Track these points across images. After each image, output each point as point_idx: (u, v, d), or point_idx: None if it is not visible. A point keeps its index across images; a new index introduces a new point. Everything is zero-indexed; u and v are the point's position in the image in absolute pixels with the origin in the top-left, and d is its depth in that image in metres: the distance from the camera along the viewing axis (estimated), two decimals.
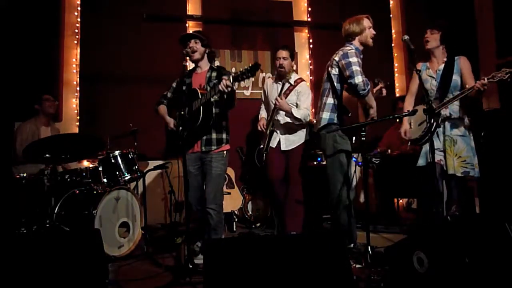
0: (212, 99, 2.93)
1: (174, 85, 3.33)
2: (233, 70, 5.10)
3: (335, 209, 3.12)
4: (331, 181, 3.15)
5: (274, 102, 3.65)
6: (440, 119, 3.08)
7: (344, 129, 3.06)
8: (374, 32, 3.20)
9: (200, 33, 3.24)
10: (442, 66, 3.22)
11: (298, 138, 3.76)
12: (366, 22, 3.16)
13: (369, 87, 3.01)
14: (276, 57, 3.80)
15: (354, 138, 2.91)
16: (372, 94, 3.14)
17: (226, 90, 2.72)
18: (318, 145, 3.35)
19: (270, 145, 3.74)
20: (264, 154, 3.70)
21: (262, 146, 3.75)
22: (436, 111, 2.93)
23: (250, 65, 2.67)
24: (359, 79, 2.94)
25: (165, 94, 3.35)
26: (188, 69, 3.42)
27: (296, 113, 3.62)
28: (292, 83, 3.73)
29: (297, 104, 3.71)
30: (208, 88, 3.00)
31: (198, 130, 3.02)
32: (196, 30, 3.48)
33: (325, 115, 3.18)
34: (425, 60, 3.32)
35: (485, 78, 2.87)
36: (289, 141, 3.74)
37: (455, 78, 3.16)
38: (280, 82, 3.76)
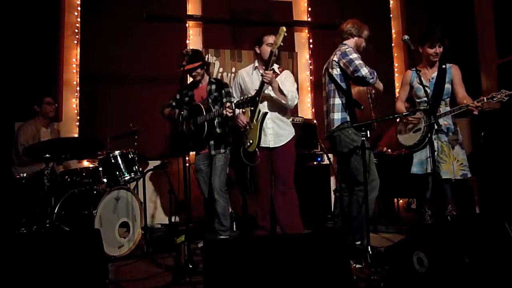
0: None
1: (177, 96, 3.66)
2: (233, 70, 5.11)
3: (356, 206, 3.11)
4: (355, 178, 3.13)
5: (262, 80, 3.22)
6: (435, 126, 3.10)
7: (356, 126, 3.03)
8: (365, 45, 3.27)
9: (198, 56, 3.56)
10: (434, 74, 3.24)
11: (288, 132, 3.47)
12: (365, 33, 3.25)
13: (375, 74, 3.03)
14: (267, 43, 3.40)
15: (369, 132, 2.88)
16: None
17: (229, 115, 3.23)
18: (332, 147, 3.30)
19: (261, 144, 3.35)
20: (257, 150, 3.30)
21: (251, 142, 3.33)
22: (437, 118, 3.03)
23: (251, 96, 3.19)
24: (364, 70, 2.98)
25: (170, 103, 3.74)
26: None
27: (284, 90, 3.30)
28: (277, 71, 3.41)
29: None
30: (210, 100, 3.53)
31: (204, 140, 3.52)
32: (193, 57, 3.42)
33: (337, 116, 3.17)
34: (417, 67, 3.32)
35: (485, 98, 2.92)
36: (278, 136, 3.41)
37: (447, 86, 3.21)
38: (261, 72, 3.39)
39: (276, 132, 3.42)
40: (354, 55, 3.05)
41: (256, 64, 3.55)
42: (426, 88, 2.99)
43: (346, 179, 3.34)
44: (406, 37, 2.88)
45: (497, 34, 5.43)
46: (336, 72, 3.16)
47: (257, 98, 3.29)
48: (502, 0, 5.37)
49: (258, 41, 3.48)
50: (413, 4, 5.75)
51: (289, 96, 3.34)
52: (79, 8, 4.83)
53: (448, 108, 3.21)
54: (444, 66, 3.23)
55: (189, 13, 5.15)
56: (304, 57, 5.50)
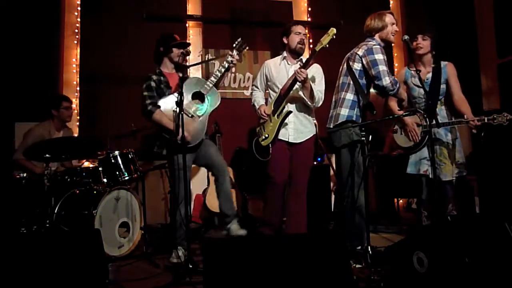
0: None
1: (153, 84, 3.22)
2: (233, 70, 5.10)
3: (349, 210, 3.02)
4: (347, 182, 3.03)
5: (295, 77, 3.06)
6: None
7: (358, 126, 2.93)
8: (397, 29, 3.16)
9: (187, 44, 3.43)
10: (429, 75, 3.22)
11: (309, 130, 3.32)
12: (389, 18, 3.11)
13: (398, 85, 2.94)
14: (295, 32, 3.31)
15: (370, 136, 2.80)
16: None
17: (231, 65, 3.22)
18: (329, 143, 3.20)
19: (280, 137, 3.21)
20: (270, 146, 3.17)
21: (266, 136, 3.21)
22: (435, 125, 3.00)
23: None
24: (386, 81, 2.87)
25: (154, 101, 3.17)
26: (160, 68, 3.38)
27: (315, 90, 3.14)
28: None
29: None
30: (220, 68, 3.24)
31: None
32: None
33: (344, 112, 3.03)
34: (409, 65, 3.30)
35: (486, 118, 2.90)
36: (298, 132, 3.26)
37: (442, 86, 3.19)
38: (290, 63, 3.36)
39: (297, 127, 3.27)
40: (380, 57, 2.92)
41: (285, 55, 3.40)
42: (424, 89, 2.94)
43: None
44: (406, 37, 2.88)
45: (497, 34, 5.42)
46: (356, 66, 3.03)
47: (286, 94, 3.16)
48: (502, 0, 5.37)
49: (285, 31, 3.37)
50: (413, 4, 5.75)
51: (316, 98, 3.19)
52: (79, 8, 4.82)
53: (443, 108, 3.21)
54: (435, 65, 3.20)
55: (189, 13, 5.15)
56: (304, 56, 5.48)
